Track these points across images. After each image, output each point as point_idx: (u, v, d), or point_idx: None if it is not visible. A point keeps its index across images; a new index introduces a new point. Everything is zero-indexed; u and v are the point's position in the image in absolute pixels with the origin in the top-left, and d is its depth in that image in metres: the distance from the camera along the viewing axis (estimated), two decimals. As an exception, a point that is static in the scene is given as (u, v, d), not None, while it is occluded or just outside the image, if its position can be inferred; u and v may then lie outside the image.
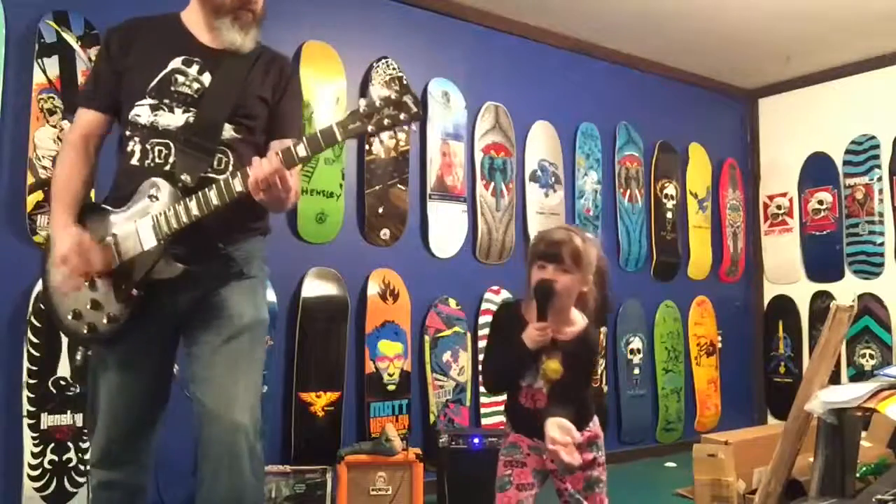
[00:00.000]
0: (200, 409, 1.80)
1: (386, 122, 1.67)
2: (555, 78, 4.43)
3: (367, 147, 3.63)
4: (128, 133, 1.86)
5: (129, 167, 1.85)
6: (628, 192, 4.73)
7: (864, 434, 2.88)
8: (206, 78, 1.86)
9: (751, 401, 5.32)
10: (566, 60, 4.50)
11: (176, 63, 1.85)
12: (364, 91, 3.64)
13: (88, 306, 1.81)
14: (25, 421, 2.71)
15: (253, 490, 1.80)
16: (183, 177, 1.79)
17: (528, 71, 4.33)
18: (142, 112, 1.83)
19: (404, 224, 3.73)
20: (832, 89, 5.09)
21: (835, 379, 4.05)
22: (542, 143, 4.32)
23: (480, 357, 3.92)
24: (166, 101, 1.83)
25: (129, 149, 1.85)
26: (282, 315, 3.33)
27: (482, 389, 3.89)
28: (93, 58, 2.87)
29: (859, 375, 4.62)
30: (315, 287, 3.41)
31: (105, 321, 1.80)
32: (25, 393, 2.72)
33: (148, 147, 1.83)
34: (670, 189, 4.95)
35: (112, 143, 1.94)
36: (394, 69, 3.73)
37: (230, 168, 1.84)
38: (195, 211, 1.75)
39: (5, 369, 2.73)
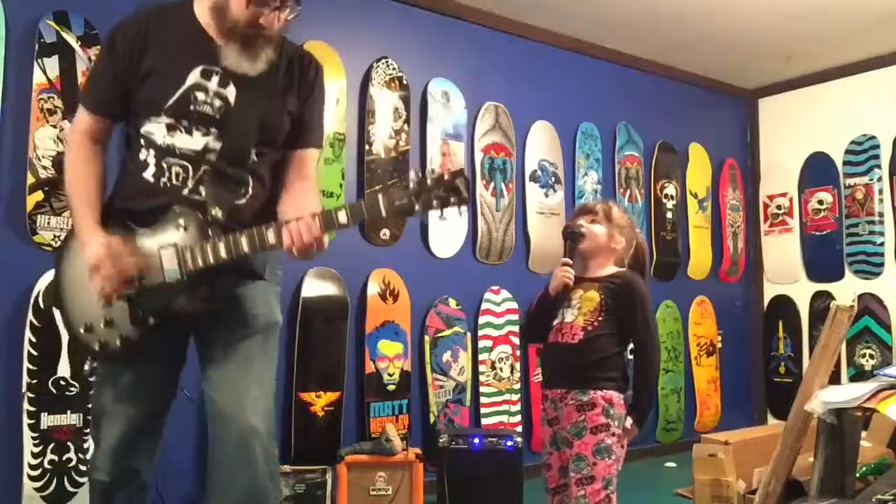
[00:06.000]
0: (212, 408, 1.74)
1: (434, 203, 1.56)
2: (555, 78, 4.43)
3: (367, 147, 3.62)
4: (141, 142, 1.75)
5: (142, 181, 1.74)
6: (628, 192, 4.73)
7: (864, 434, 2.87)
8: (230, 91, 1.73)
9: (751, 401, 5.32)
10: (566, 60, 4.49)
11: (195, 76, 1.72)
12: (364, 91, 3.64)
13: (102, 324, 1.72)
14: (25, 421, 2.71)
15: (270, 495, 1.74)
16: (214, 211, 1.70)
17: (528, 71, 4.33)
18: (155, 130, 1.72)
19: (404, 224, 3.72)
20: (832, 89, 5.09)
21: (835, 379, 4.05)
22: (542, 143, 4.32)
23: (480, 357, 3.93)
24: (184, 122, 1.72)
25: (141, 157, 1.74)
26: (282, 315, 3.32)
27: (482, 389, 3.89)
28: (93, 58, 2.87)
29: (859, 375, 4.62)
30: (315, 287, 3.40)
31: (118, 342, 1.72)
32: (25, 393, 2.72)
33: (164, 165, 1.72)
34: (670, 189, 4.95)
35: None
36: (394, 69, 3.73)
37: (250, 193, 1.79)
38: (223, 254, 1.66)
39: (5, 369, 2.73)
